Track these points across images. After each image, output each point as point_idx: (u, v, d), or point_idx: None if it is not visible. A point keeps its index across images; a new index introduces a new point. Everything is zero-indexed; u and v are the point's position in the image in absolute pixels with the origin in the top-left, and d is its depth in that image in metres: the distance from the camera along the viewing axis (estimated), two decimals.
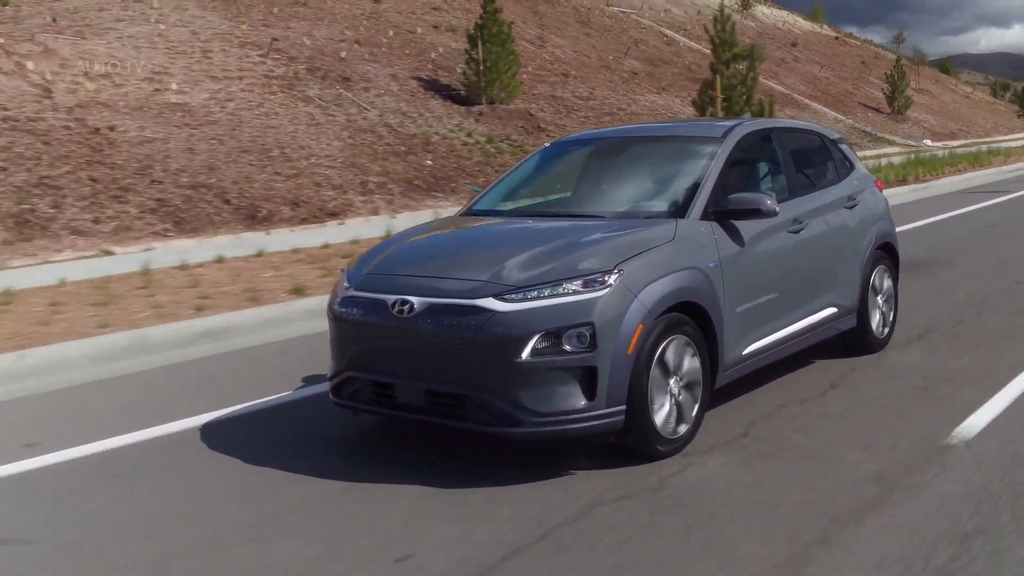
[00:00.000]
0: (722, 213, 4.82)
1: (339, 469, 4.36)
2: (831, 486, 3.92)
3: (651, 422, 4.21)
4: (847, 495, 3.81)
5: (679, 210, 4.80)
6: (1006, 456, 4.17)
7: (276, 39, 22.86)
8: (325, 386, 4.94)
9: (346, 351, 4.55)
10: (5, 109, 14.93)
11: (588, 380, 4.04)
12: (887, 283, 6.37)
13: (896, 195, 16.29)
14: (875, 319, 6.17)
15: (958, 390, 5.23)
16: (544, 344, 4.00)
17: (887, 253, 6.41)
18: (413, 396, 4.29)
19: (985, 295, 7.94)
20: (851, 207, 6.04)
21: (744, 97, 20.32)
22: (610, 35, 38.29)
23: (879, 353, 6.14)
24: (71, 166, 13.78)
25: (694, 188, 4.90)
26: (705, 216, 4.77)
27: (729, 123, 5.51)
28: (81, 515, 4.00)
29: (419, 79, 24.51)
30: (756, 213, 4.81)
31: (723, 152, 5.12)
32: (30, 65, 16.89)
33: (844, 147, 6.52)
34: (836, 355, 6.08)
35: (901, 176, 20.51)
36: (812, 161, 6.09)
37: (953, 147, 35.03)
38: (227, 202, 14.25)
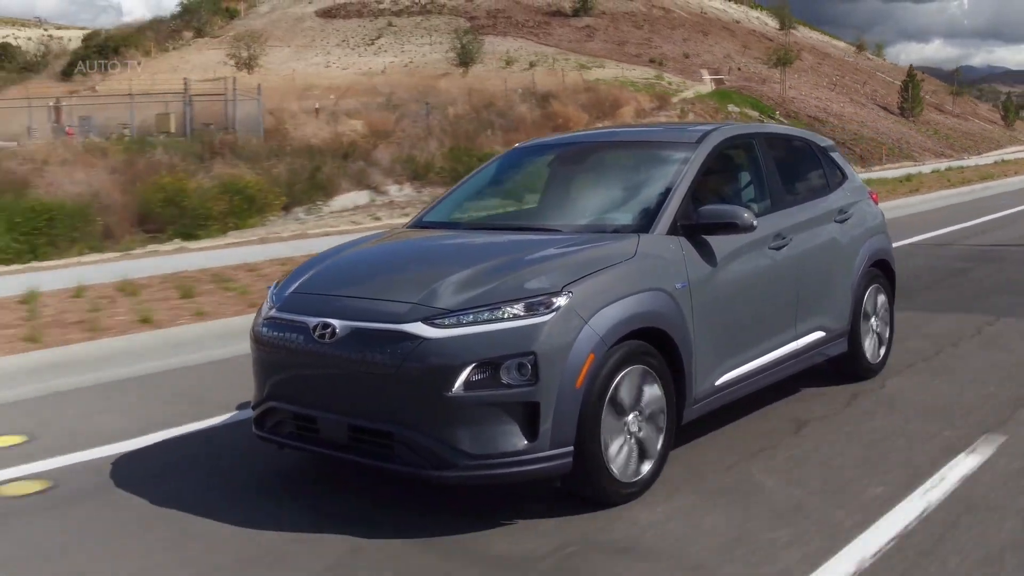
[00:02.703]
0: (692, 227, 4.30)
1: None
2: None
3: (604, 465, 3.69)
4: None
5: (643, 224, 4.28)
6: None
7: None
8: None
9: (268, 379, 4.07)
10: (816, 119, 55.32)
11: (529, 417, 3.53)
12: (882, 304, 5.85)
13: None
14: (868, 343, 5.65)
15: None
16: (479, 376, 3.50)
17: (882, 271, 5.89)
18: (337, 432, 3.80)
19: None
20: (842, 221, 5.52)
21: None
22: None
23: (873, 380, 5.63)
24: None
25: (662, 199, 4.38)
26: (673, 230, 4.25)
27: (706, 127, 4.99)
28: None
29: (875, 104, 67.41)
30: (731, 227, 4.29)
31: (697, 159, 4.60)
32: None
33: (836, 155, 5.99)
34: (831, 382, 5.57)
35: None
36: (799, 170, 5.56)
37: None
38: (851, 149, 46.62)
